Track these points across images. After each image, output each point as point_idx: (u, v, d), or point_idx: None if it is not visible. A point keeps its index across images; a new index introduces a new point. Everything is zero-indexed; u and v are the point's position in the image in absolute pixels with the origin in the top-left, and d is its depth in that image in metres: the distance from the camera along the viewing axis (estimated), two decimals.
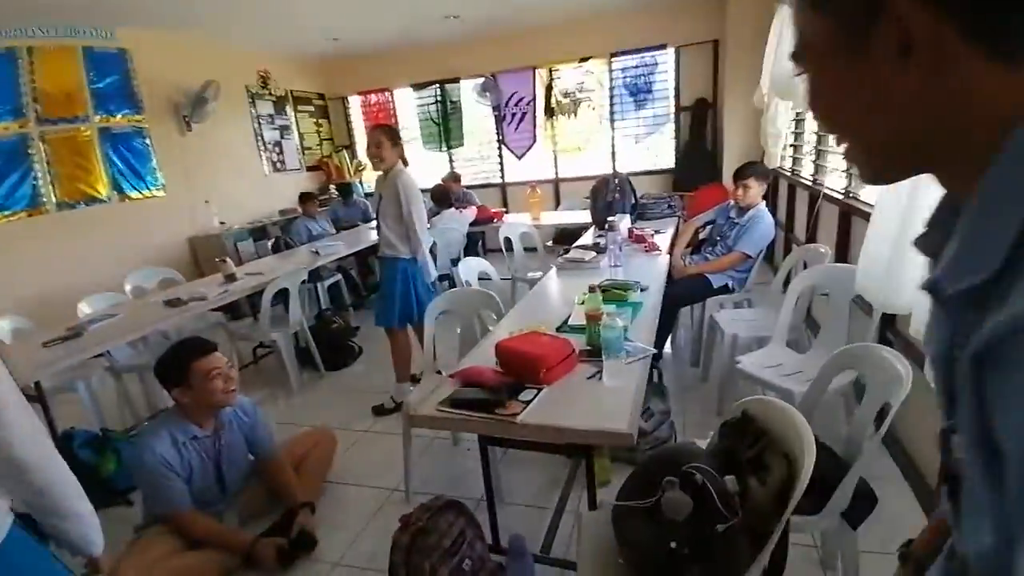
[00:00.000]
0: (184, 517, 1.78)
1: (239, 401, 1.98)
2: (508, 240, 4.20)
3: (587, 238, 3.57)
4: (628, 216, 3.40)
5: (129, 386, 3.06)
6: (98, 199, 4.39)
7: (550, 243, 4.96)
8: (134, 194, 4.68)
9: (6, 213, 3.81)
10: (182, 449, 1.81)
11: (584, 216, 4.82)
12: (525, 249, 4.28)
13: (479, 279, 2.86)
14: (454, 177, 5.91)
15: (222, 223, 5.31)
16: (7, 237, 3.76)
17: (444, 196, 5.16)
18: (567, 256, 3.00)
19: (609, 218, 2.97)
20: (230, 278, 3.50)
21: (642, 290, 2.21)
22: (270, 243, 5.26)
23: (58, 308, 3.33)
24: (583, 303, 2.14)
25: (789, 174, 4.20)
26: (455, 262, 4.41)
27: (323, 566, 1.86)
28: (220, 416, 1.93)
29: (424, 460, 2.23)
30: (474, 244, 5.58)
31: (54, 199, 4.08)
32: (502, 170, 6.88)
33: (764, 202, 2.96)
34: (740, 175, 2.94)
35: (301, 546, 1.87)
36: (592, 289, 1.91)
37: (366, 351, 3.84)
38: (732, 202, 3.04)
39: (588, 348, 1.68)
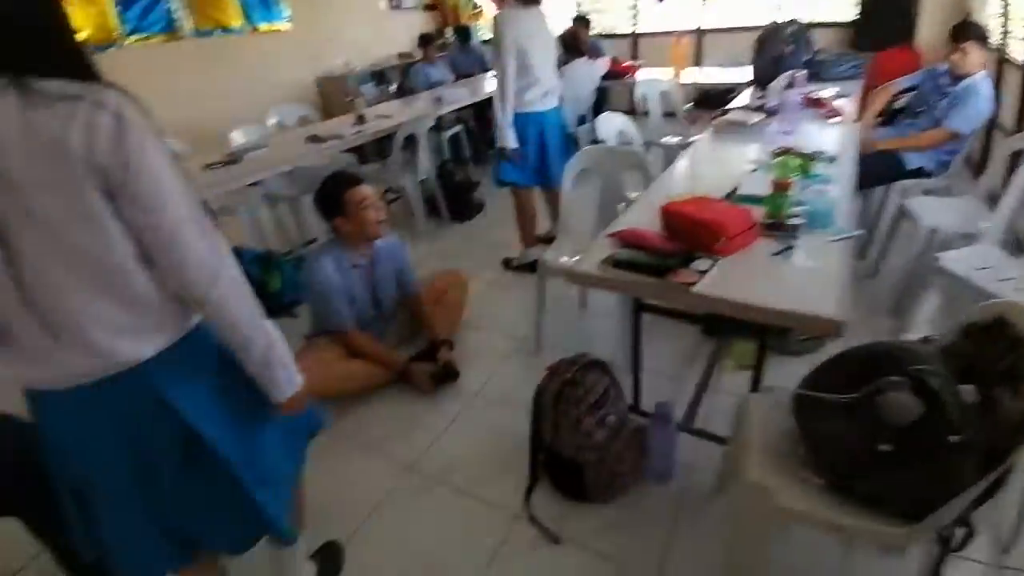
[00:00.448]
0: (348, 333, 1.94)
1: (388, 237, 2.06)
2: (640, 101, 3.74)
3: (742, 102, 3.07)
4: (804, 73, 2.82)
5: (282, 216, 3.30)
6: (231, 28, 4.42)
7: (689, 106, 4.39)
8: (263, 25, 4.67)
9: (143, 35, 3.92)
10: (344, 274, 1.93)
11: (732, 75, 4.16)
12: (663, 114, 3.81)
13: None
14: (583, 22, 5.23)
15: (346, 64, 5.22)
16: (146, 60, 3.88)
17: (575, 43, 4.61)
18: (726, 118, 2.61)
19: (782, 74, 2.48)
20: (360, 119, 3.48)
21: (830, 160, 1.87)
22: (391, 87, 5.16)
23: (208, 135, 3.48)
24: (756, 170, 1.86)
25: (996, 49, 3.24)
26: (582, 120, 4.07)
27: (464, 395, 2.02)
28: (374, 248, 2.02)
29: (551, 318, 2.23)
30: (598, 103, 5.10)
31: (190, 25, 4.15)
32: (635, 17, 5.99)
33: (985, 71, 2.29)
34: (959, 35, 2.28)
35: (446, 377, 2.02)
36: (780, 153, 1.62)
37: (488, 207, 3.79)
38: (943, 66, 2.39)
39: (770, 221, 1.46)
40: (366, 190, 1.88)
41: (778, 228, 1.43)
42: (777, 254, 1.34)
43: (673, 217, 1.45)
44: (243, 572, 1.30)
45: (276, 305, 2.59)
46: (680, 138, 3.42)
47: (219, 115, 3.79)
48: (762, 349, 1.37)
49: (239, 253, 2.50)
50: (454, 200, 3.62)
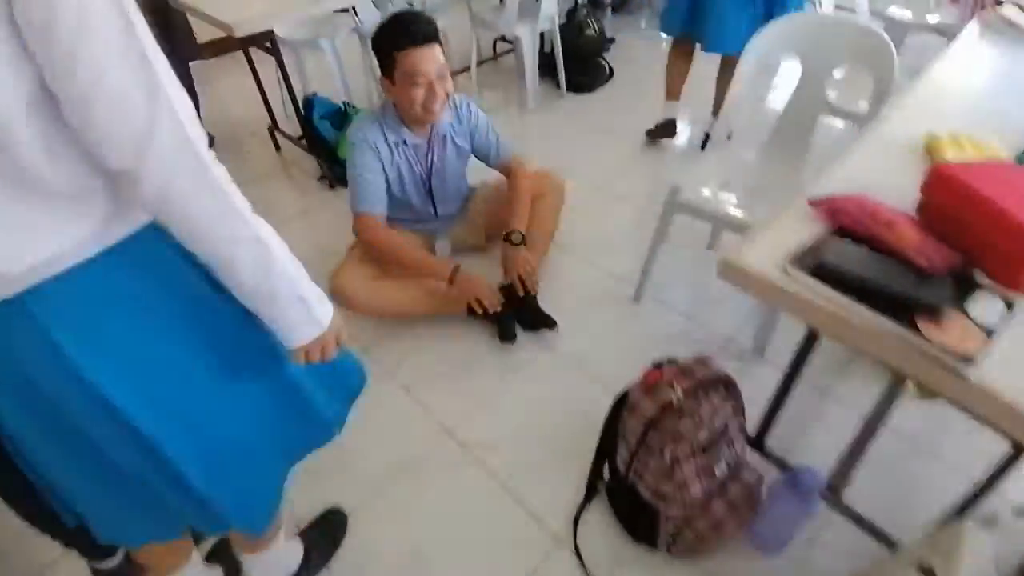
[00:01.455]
0: (370, 220, 1.48)
1: (459, 102, 1.57)
2: None
3: None
4: None
5: (374, 58, 2.77)
6: None
7: None
8: None
9: None
10: (392, 148, 1.49)
11: None
12: None
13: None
14: None
15: None
16: None
17: None
18: (1004, 11, 1.57)
19: None
20: None
21: None
22: None
23: None
24: None
25: None
26: None
27: (531, 345, 1.61)
28: (436, 128, 1.53)
29: (666, 262, 1.66)
30: None
31: None
32: None
33: None
34: None
35: (539, 324, 1.60)
36: None
37: (618, 76, 3.00)
38: None
39: None
40: (426, 58, 1.33)
41: None
42: None
43: (953, 194, 0.78)
44: None
45: (344, 171, 2.19)
46: (936, 19, 2.29)
47: None
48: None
49: (310, 102, 2.14)
50: (577, 62, 2.85)
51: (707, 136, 2.37)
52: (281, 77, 2.04)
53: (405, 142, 1.49)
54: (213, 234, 0.57)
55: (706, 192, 1.48)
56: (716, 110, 2.25)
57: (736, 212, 1.42)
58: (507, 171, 1.67)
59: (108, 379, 0.59)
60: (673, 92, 2.32)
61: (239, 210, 0.58)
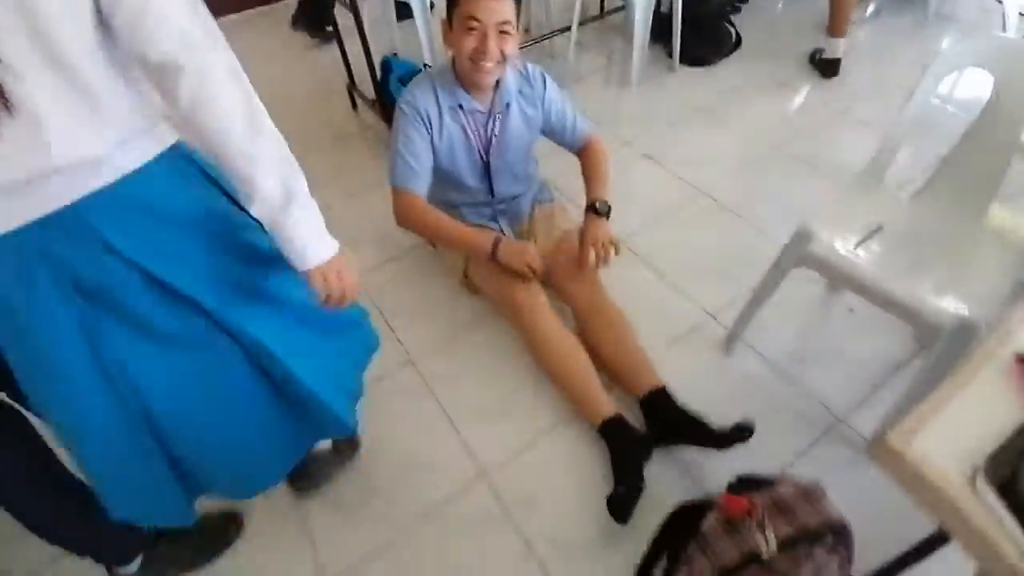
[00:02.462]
0: (408, 198, 1.30)
1: (530, 70, 1.36)
2: None
3: None
4: None
5: None
6: None
7: None
8: None
9: None
10: (444, 114, 1.29)
11: None
12: None
13: None
14: None
15: None
16: None
17: None
18: None
19: None
20: None
21: None
22: None
23: None
24: None
25: None
26: None
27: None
28: (499, 93, 1.31)
29: (772, 300, 1.33)
30: None
31: None
32: None
33: None
34: None
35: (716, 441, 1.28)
36: None
37: (747, 46, 2.53)
38: None
39: None
40: (485, 5, 1.13)
41: None
42: None
43: None
44: None
45: None
46: None
47: None
48: None
49: (387, 64, 1.98)
50: (696, 28, 2.40)
51: (816, 54, 2.38)
52: (359, 34, 1.85)
53: (461, 106, 1.29)
54: (240, 128, 0.62)
55: (843, 248, 1.13)
56: (834, 30, 2.26)
57: (888, 284, 1.06)
58: (585, 144, 1.44)
59: (159, 266, 0.66)
60: (841, 29, 2.24)
61: (262, 109, 0.65)
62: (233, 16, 3.12)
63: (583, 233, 1.32)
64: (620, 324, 1.34)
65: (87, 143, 0.59)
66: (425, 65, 2.06)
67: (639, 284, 1.60)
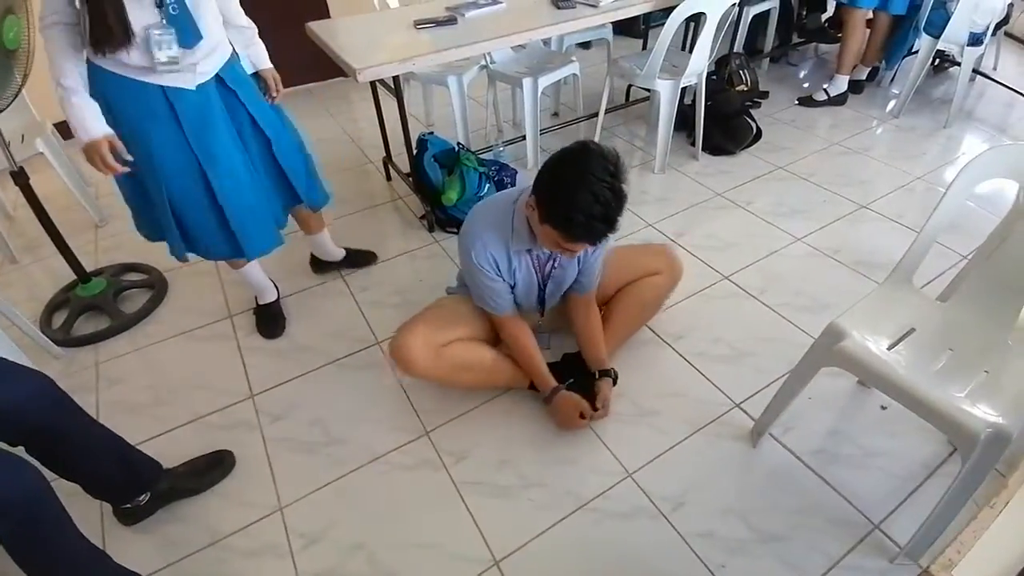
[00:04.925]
0: (507, 323, 1.42)
1: None
2: None
3: None
4: None
5: (500, 93, 2.68)
6: None
7: None
8: None
9: None
10: (512, 256, 1.31)
11: None
12: None
13: None
14: None
15: None
16: None
17: None
18: None
19: None
20: None
21: None
22: None
23: None
24: None
25: None
26: None
27: (605, 469, 1.34)
28: None
29: (807, 391, 1.29)
30: None
31: None
32: None
33: None
34: None
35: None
36: None
37: (767, 138, 2.62)
38: None
39: None
40: (576, 246, 1.15)
41: None
42: None
43: None
44: None
45: (444, 217, 2.13)
46: None
47: None
48: None
49: (424, 142, 2.08)
50: (719, 120, 2.52)
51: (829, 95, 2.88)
52: (399, 115, 1.98)
53: (529, 250, 1.32)
54: (244, 23, 1.45)
55: (876, 348, 1.11)
56: (867, 58, 2.88)
57: (922, 390, 1.03)
58: (585, 301, 1.48)
59: (253, 107, 1.38)
60: (848, 66, 2.80)
61: (251, 24, 1.47)
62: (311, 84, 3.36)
63: (601, 400, 1.41)
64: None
65: (220, 36, 1.30)
66: (459, 144, 2.17)
67: (664, 366, 1.58)
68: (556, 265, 1.37)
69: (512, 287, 1.37)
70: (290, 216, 1.63)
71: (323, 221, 1.80)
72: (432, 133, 2.18)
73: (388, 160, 2.43)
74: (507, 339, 1.43)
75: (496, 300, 1.36)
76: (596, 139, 2.62)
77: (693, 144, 2.53)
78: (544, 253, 1.34)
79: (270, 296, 1.78)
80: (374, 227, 2.22)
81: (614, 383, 1.46)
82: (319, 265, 1.95)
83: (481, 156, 2.23)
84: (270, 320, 1.76)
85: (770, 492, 1.27)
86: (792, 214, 2.14)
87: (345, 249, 1.93)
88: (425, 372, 1.35)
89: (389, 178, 2.51)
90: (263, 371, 1.63)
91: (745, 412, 1.44)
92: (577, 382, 1.45)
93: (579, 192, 1.04)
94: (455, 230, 2.14)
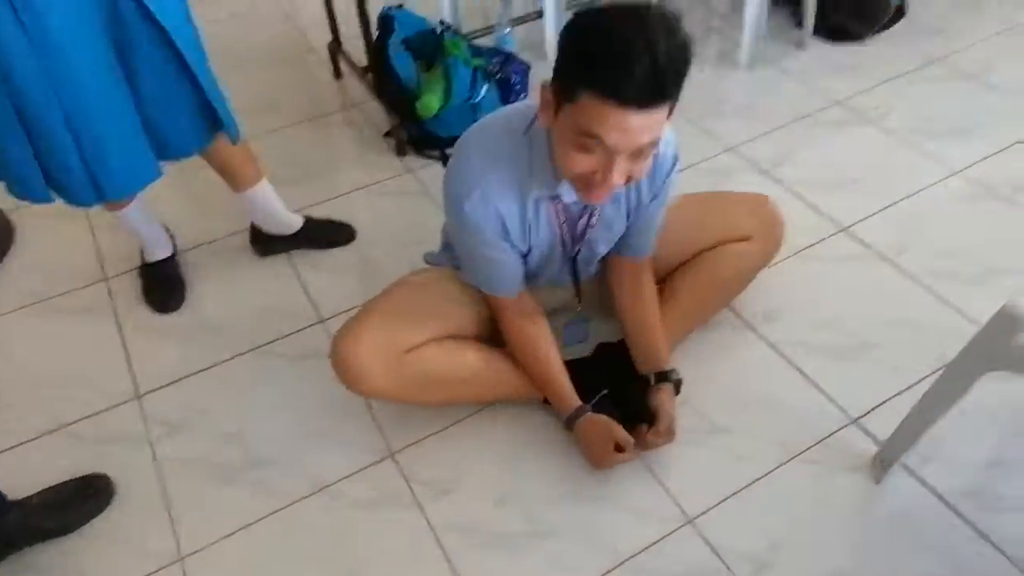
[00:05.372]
0: (509, 311, 1.42)
1: (661, 146, 1.28)
2: None
3: None
4: None
5: None
6: None
7: None
8: None
9: None
10: (529, 207, 1.28)
11: None
12: None
13: None
14: None
15: None
16: None
17: None
18: None
19: None
20: None
21: None
22: None
23: None
24: None
25: None
26: None
27: (659, 512, 1.35)
28: None
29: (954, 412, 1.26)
30: None
31: None
32: None
33: None
34: None
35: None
36: None
37: (913, 13, 2.59)
38: None
39: None
40: (626, 128, 1.01)
41: None
42: None
43: None
44: None
45: (420, 133, 2.12)
46: None
47: None
48: None
49: (388, 20, 2.07)
50: None
51: None
52: None
53: (554, 197, 1.29)
54: None
55: None
56: None
57: None
58: (636, 270, 1.50)
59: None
60: None
61: None
62: None
63: (658, 411, 1.40)
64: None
65: None
66: (442, 23, 2.13)
67: (745, 361, 1.59)
68: (594, 220, 1.34)
69: (526, 254, 1.36)
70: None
71: (257, 166, 1.71)
72: (401, 7, 2.14)
73: (336, 47, 2.41)
74: (510, 335, 1.44)
75: (498, 277, 1.36)
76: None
77: (799, 24, 2.50)
78: (574, 204, 1.30)
79: (163, 251, 1.77)
80: (315, 150, 2.22)
81: (676, 391, 1.45)
82: (263, 242, 1.88)
83: (476, 42, 2.18)
84: (163, 285, 1.75)
85: (900, 551, 1.28)
86: (949, 134, 2.12)
87: (305, 218, 1.86)
88: (384, 389, 1.36)
89: (339, 74, 2.50)
90: (154, 360, 1.64)
91: (865, 431, 1.44)
92: (617, 391, 1.46)
93: (619, 33, 0.99)
94: (436, 155, 2.11)
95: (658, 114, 1.00)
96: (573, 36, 1.04)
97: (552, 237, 1.35)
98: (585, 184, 1.12)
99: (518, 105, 1.31)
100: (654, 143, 1.05)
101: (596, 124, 1.01)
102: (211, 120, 1.48)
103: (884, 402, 1.47)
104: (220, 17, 2.77)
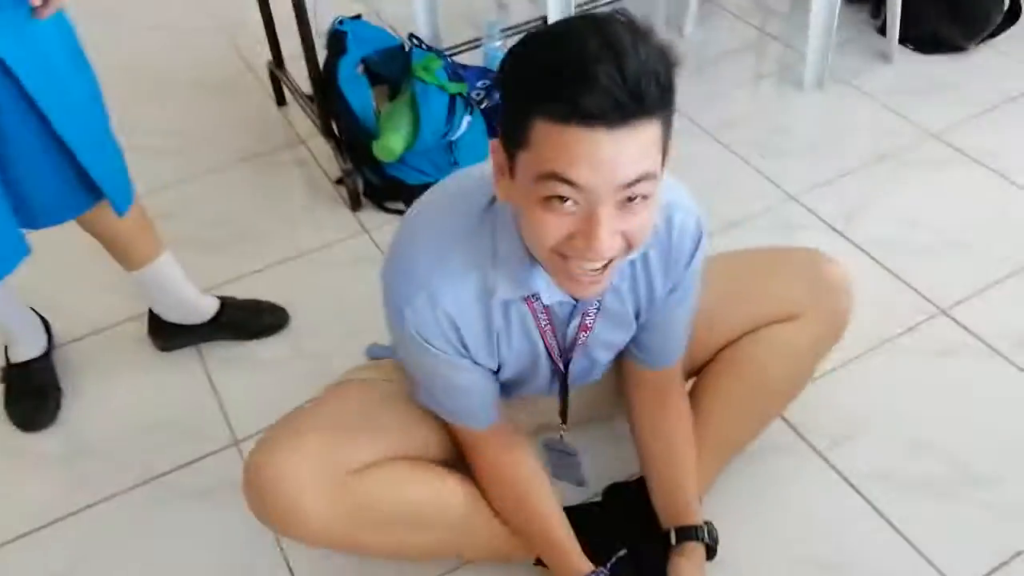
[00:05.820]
0: (486, 447, 1.41)
1: (672, 211, 1.25)
2: None
3: None
4: None
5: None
6: None
7: None
8: None
9: None
10: (496, 312, 1.24)
11: None
12: None
13: None
14: None
15: None
16: None
17: None
18: None
19: None
20: None
21: None
22: None
23: None
24: None
25: None
26: None
27: None
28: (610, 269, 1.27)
29: None
30: None
31: None
32: None
33: None
34: None
35: None
36: None
37: None
38: None
39: None
40: (598, 154, 0.93)
41: None
42: None
43: None
44: None
45: (381, 181, 2.13)
46: None
47: None
48: None
49: (339, 37, 2.11)
50: None
51: None
52: None
53: (536, 296, 1.24)
54: None
55: None
56: None
57: None
58: (660, 384, 1.49)
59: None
60: None
61: None
62: None
63: None
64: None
65: None
66: (412, 37, 2.15)
67: (809, 503, 1.54)
68: (589, 321, 1.30)
69: (496, 372, 1.33)
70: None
71: (156, 237, 1.72)
72: (359, 17, 2.18)
73: (278, 67, 2.44)
74: (489, 478, 1.41)
75: (462, 406, 1.33)
76: (687, 28, 2.61)
77: (882, 31, 2.57)
78: (566, 300, 1.25)
79: (32, 347, 1.77)
80: (249, 200, 2.25)
81: (710, 554, 1.40)
82: (165, 334, 1.87)
83: (457, 59, 2.21)
84: (30, 394, 1.75)
85: None
86: None
87: (222, 300, 1.85)
88: (323, 530, 1.30)
89: (282, 101, 2.55)
90: (19, 496, 1.62)
91: None
92: (636, 552, 1.42)
93: (573, 40, 0.95)
94: (399, 208, 2.13)
95: (640, 134, 0.92)
96: (515, 62, 0.99)
97: (531, 348, 1.30)
98: (566, 267, 1.05)
99: (485, 167, 1.23)
100: (647, 180, 0.96)
101: (558, 159, 0.93)
102: (91, 186, 1.47)
103: (1006, 562, 1.40)
104: (142, 28, 2.87)
